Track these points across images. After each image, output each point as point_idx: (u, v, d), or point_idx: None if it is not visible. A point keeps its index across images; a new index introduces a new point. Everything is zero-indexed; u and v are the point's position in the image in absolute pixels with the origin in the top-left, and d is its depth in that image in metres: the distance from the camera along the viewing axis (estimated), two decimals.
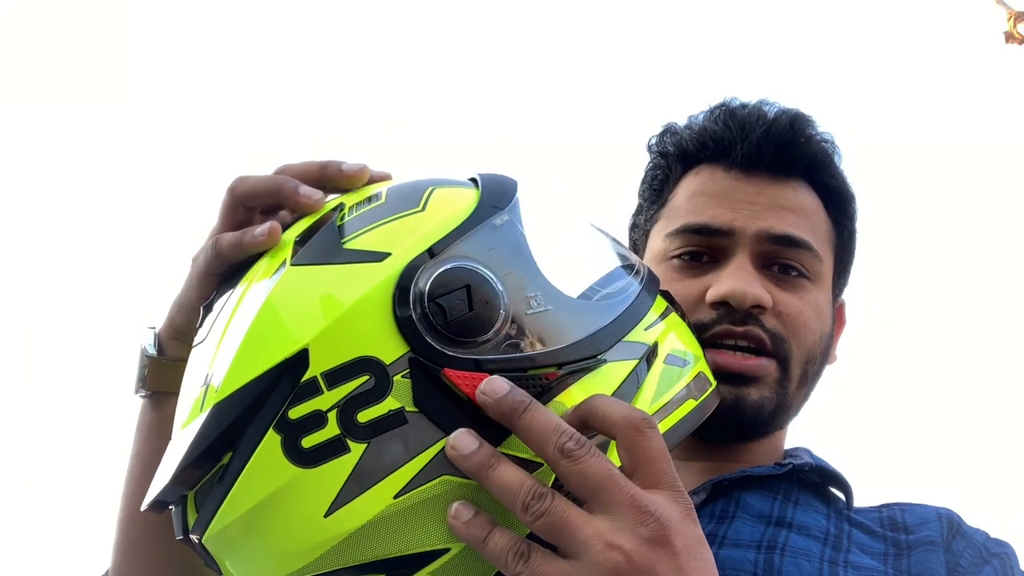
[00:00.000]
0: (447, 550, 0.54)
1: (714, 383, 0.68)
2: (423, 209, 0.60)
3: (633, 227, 1.02)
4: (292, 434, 0.53)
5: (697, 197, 0.91)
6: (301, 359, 0.53)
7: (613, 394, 0.59)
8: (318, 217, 0.62)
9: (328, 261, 0.57)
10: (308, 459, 0.53)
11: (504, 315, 0.55)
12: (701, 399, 0.65)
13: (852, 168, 0.94)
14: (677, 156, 0.95)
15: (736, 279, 0.85)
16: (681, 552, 0.50)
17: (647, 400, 0.61)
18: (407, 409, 0.53)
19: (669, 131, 0.97)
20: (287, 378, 0.53)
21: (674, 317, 0.68)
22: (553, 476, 0.54)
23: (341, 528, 0.53)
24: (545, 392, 0.55)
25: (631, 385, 0.60)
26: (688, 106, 0.98)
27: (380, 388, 0.53)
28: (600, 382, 0.58)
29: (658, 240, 0.93)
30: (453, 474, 0.53)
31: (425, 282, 0.55)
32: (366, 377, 0.53)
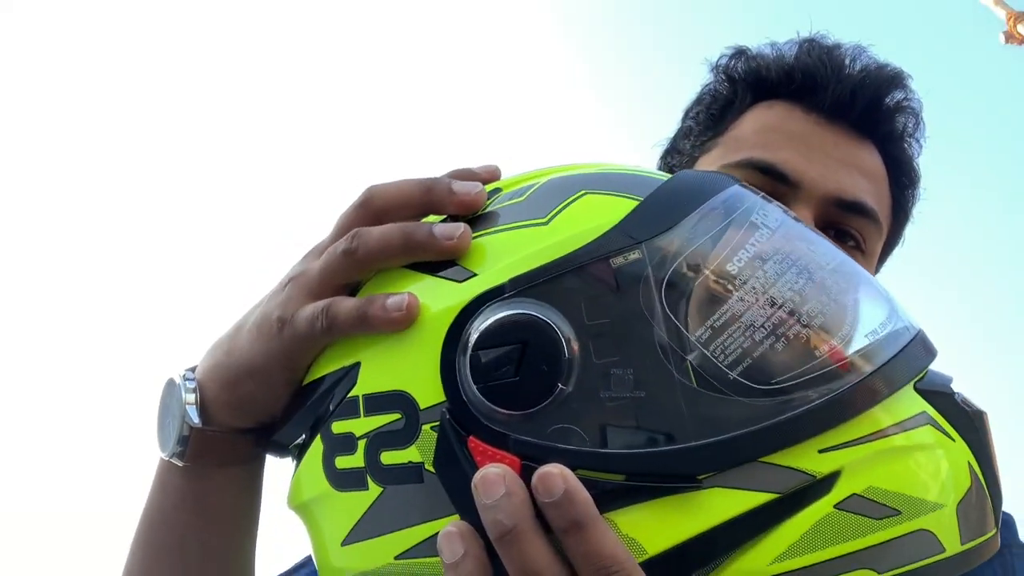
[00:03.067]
0: None
1: (949, 549, 0.45)
2: (547, 222, 0.47)
3: (672, 151, 0.89)
4: (330, 448, 0.49)
5: (770, 132, 0.80)
6: (353, 372, 0.48)
7: (703, 533, 0.42)
8: None
9: (428, 269, 0.49)
10: (337, 481, 0.48)
11: (561, 391, 0.42)
12: (888, 573, 0.43)
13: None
14: (750, 83, 0.83)
15: None
16: None
17: (771, 554, 0.42)
18: (426, 467, 0.45)
19: (743, 54, 0.85)
20: (340, 387, 0.49)
21: (926, 432, 0.45)
22: None
23: (351, 565, 0.48)
24: (596, 502, 0.42)
25: (745, 527, 0.42)
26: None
27: (408, 433, 0.45)
28: (686, 512, 0.42)
29: (709, 168, 0.81)
30: None
31: (480, 324, 0.44)
32: (398, 416, 0.46)
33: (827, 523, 0.43)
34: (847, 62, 0.81)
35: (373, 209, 0.52)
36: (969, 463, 0.47)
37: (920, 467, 0.45)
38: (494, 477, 0.41)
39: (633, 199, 0.48)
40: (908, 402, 0.46)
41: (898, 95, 0.82)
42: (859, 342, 0.46)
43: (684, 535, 0.42)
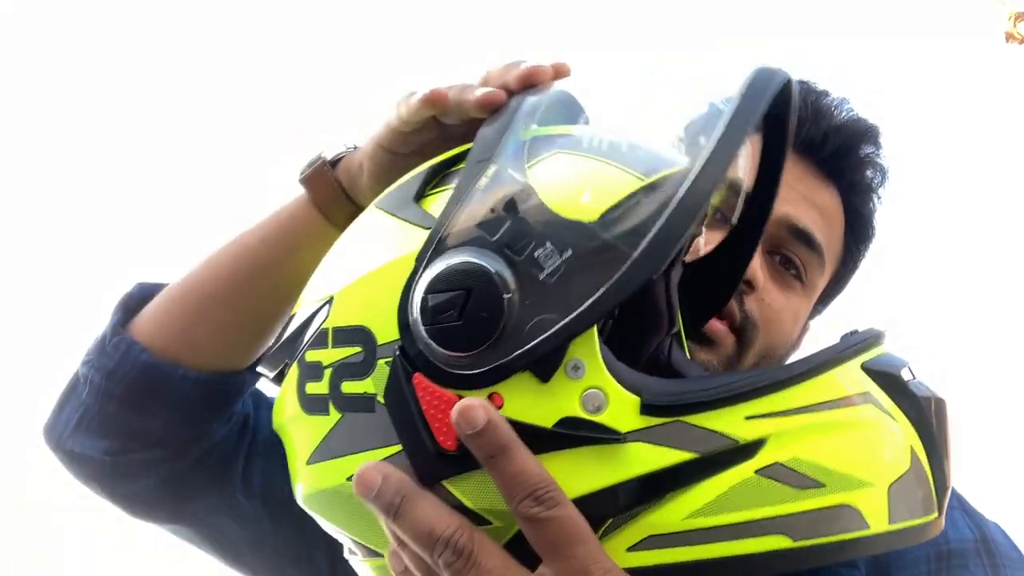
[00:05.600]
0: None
1: (874, 527, 0.45)
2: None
3: None
4: (303, 375, 0.52)
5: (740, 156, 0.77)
6: (327, 306, 0.52)
7: (621, 483, 0.44)
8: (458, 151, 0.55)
9: (394, 212, 0.52)
10: (306, 405, 0.52)
11: (499, 334, 0.45)
12: (807, 543, 0.44)
13: None
14: None
15: None
16: None
17: (685, 510, 0.44)
18: (378, 399, 0.48)
19: None
20: (316, 318, 0.52)
21: (865, 411, 0.46)
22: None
23: (313, 483, 0.52)
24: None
25: (664, 482, 0.44)
26: None
27: (365, 365, 0.49)
28: (608, 463, 0.44)
29: None
30: None
31: (432, 272, 0.47)
32: (359, 349, 0.49)
33: (745, 487, 0.44)
34: (828, 108, 0.84)
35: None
36: (912, 447, 0.47)
37: (852, 444, 0.46)
38: (477, 408, 0.45)
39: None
40: (851, 380, 0.47)
41: (868, 148, 0.86)
42: None
43: (603, 483, 0.44)
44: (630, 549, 0.45)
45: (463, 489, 0.46)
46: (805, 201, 0.83)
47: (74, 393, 0.77)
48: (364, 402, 0.49)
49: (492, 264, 0.46)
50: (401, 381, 0.47)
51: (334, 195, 0.68)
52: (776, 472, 0.44)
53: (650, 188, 0.46)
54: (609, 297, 0.44)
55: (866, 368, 0.47)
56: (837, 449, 0.45)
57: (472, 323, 0.45)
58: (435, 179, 0.53)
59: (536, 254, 0.45)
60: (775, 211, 0.78)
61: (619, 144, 0.50)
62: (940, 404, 0.50)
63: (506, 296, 0.45)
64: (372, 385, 0.48)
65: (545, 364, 0.45)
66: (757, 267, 0.78)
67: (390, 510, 0.46)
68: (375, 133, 0.64)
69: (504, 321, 0.45)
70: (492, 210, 0.47)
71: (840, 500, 0.45)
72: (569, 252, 0.45)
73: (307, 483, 0.53)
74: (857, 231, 0.88)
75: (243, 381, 0.78)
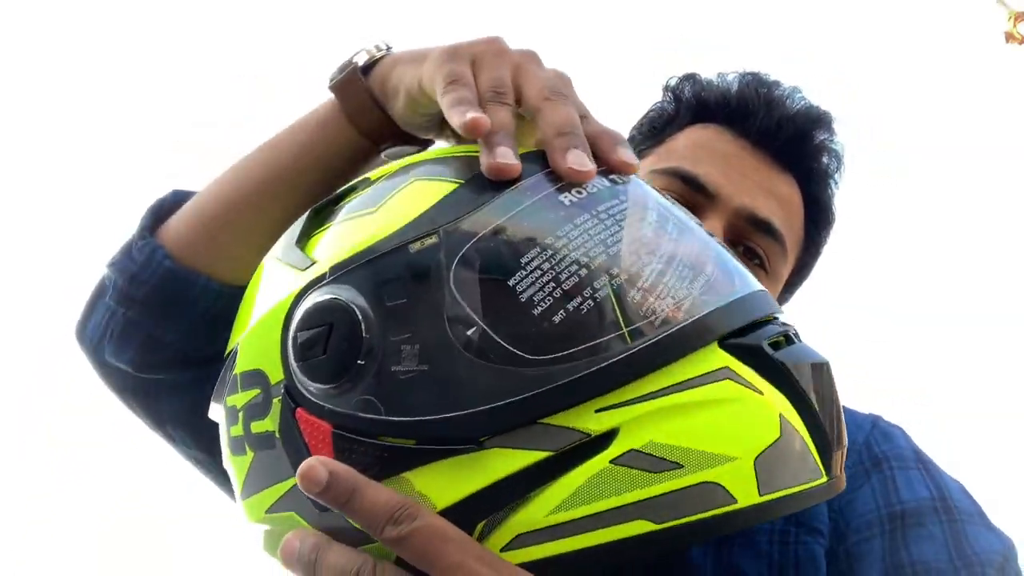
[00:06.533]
0: None
1: (743, 500, 0.46)
2: (374, 211, 0.53)
3: None
4: (226, 419, 0.57)
5: (698, 148, 0.87)
6: (234, 354, 0.56)
7: (485, 488, 0.47)
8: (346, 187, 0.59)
9: (280, 258, 0.56)
10: (231, 446, 0.57)
11: (360, 366, 0.48)
12: (670, 524, 0.46)
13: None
14: (691, 104, 0.91)
15: None
16: None
17: (547, 507, 0.46)
18: (276, 435, 0.52)
19: (692, 79, 0.92)
20: (229, 367, 0.57)
21: (722, 388, 0.47)
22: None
23: (249, 516, 0.57)
24: (390, 464, 0.48)
25: (523, 483, 0.46)
26: None
27: (265, 405, 0.53)
28: (470, 470, 0.47)
29: (640, 173, 0.78)
30: (300, 514, 0.51)
31: (302, 310, 0.50)
32: (258, 391, 0.53)
33: (602, 477, 0.46)
34: (780, 98, 0.88)
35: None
36: (781, 415, 0.48)
37: (708, 421, 0.47)
38: (316, 468, 0.47)
39: (454, 183, 0.52)
40: (705, 359, 0.47)
41: (822, 135, 0.88)
42: (641, 314, 0.47)
43: (468, 490, 0.47)
44: (503, 549, 0.47)
45: None
46: (762, 191, 0.85)
47: (101, 297, 0.77)
48: (268, 439, 0.53)
49: (357, 301, 0.49)
50: (289, 417, 0.51)
51: (365, 105, 0.65)
52: (631, 459, 0.46)
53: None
54: (428, 428, 0.46)
55: (725, 345, 0.48)
56: (694, 428, 0.46)
57: (335, 356, 0.49)
58: (316, 219, 0.57)
59: (403, 347, 0.47)
60: (734, 202, 0.83)
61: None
62: (817, 367, 0.50)
63: (366, 336, 0.48)
64: (271, 423, 0.52)
65: None
66: None
67: (308, 569, 0.49)
68: (416, 78, 0.59)
69: (363, 353, 0.48)
70: (399, 279, 0.48)
71: (700, 478, 0.46)
72: (425, 368, 0.47)
73: (247, 516, 0.57)
74: (817, 217, 0.91)
75: None
